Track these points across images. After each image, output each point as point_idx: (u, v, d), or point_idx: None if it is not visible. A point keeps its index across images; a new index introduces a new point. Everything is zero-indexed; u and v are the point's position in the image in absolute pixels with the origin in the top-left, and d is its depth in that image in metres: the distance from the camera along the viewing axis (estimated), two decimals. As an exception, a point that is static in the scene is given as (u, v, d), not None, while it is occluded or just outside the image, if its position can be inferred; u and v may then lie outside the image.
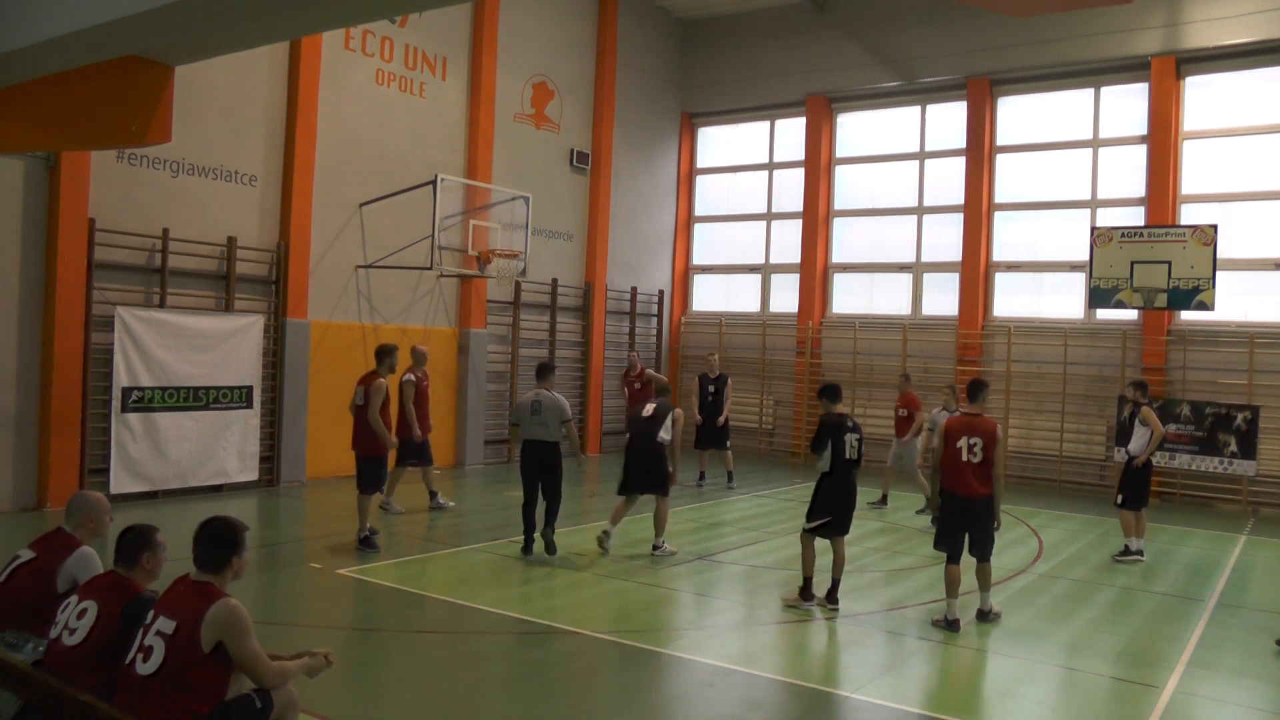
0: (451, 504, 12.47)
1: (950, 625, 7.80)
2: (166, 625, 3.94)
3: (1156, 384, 15.70)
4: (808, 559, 8.38)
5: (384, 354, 10.21)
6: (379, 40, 14.86)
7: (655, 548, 10.15)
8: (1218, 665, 7.25)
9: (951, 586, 7.90)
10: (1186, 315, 15.69)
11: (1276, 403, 14.81)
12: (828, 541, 8.55)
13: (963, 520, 7.99)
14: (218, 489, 12.66)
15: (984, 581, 8.14)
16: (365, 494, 10.00)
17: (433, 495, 12.35)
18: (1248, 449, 14.63)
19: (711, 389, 15.38)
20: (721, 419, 15.12)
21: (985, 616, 8.08)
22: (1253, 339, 15.06)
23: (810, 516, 8.48)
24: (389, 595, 8.50)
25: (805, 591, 8.32)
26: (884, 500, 13.86)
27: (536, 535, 9.91)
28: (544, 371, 10.30)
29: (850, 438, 8.45)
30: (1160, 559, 11.05)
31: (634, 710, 6.06)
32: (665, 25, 20.75)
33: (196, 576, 4.13)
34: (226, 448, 12.72)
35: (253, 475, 13.05)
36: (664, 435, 10.09)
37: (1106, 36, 16.36)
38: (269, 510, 12.18)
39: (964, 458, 7.91)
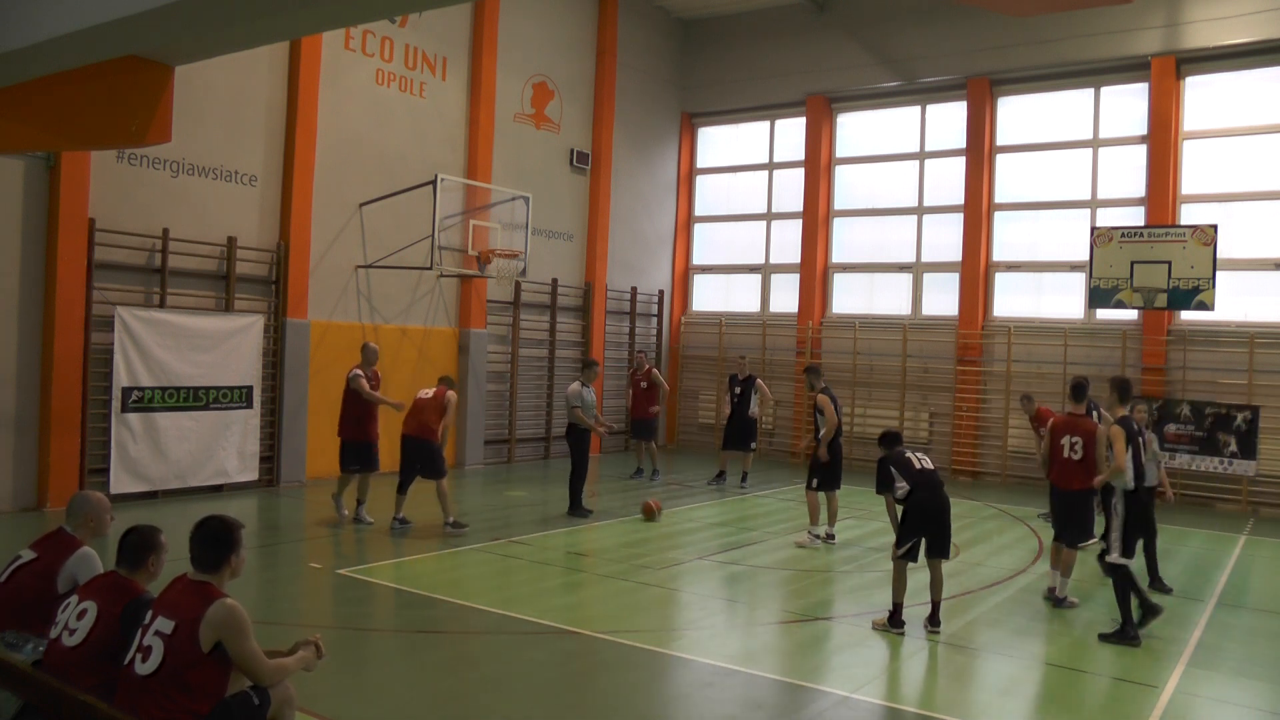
0: (371, 521, 11.14)
1: (1060, 603, 8.56)
2: (165, 625, 3.94)
3: (1157, 384, 15.71)
4: (897, 585, 7.80)
5: (450, 383, 11.35)
6: (379, 40, 14.86)
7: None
8: (1218, 665, 7.25)
9: (1066, 568, 8.65)
10: (1186, 315, 15.68)
11: (1276, 403, 14.81)
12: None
13: (1064, 511, 8.64)
14: (218, 489, 12.66)
15: (1065, 567, 8.64)
16: (442, 479, 10.86)
17: (359, 505, 11.17)
18: (1248, 449, 14.62)
19: (738, 390, 15.46)
20: (753, 411, 15.48)
21: (1060, 603, 8.51)
22: (1253, 339, 15.06)
23: (899, 541, 7.85)
24: (389, 595, 8.51)
25: (894, 617, 7.73)
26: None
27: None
28: (581, 368, 12.99)
29: (914, 453, 7.99)
30: (1160, 559, 11.01)
31: (634, 710, 6.06)
32: (665, 25, 20.75)
33: (194, 576, 4.13)
34: (226, 448, 12.72)
35: (253, 475, 13.06)
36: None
37: (1106, 36, 16.37)
38: (269, 510, 12.18)
39: (1065, 454, 8.54)
